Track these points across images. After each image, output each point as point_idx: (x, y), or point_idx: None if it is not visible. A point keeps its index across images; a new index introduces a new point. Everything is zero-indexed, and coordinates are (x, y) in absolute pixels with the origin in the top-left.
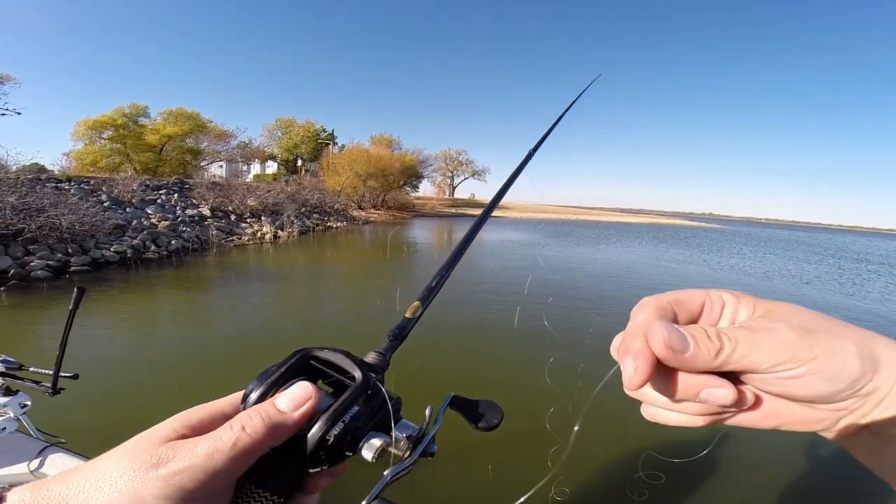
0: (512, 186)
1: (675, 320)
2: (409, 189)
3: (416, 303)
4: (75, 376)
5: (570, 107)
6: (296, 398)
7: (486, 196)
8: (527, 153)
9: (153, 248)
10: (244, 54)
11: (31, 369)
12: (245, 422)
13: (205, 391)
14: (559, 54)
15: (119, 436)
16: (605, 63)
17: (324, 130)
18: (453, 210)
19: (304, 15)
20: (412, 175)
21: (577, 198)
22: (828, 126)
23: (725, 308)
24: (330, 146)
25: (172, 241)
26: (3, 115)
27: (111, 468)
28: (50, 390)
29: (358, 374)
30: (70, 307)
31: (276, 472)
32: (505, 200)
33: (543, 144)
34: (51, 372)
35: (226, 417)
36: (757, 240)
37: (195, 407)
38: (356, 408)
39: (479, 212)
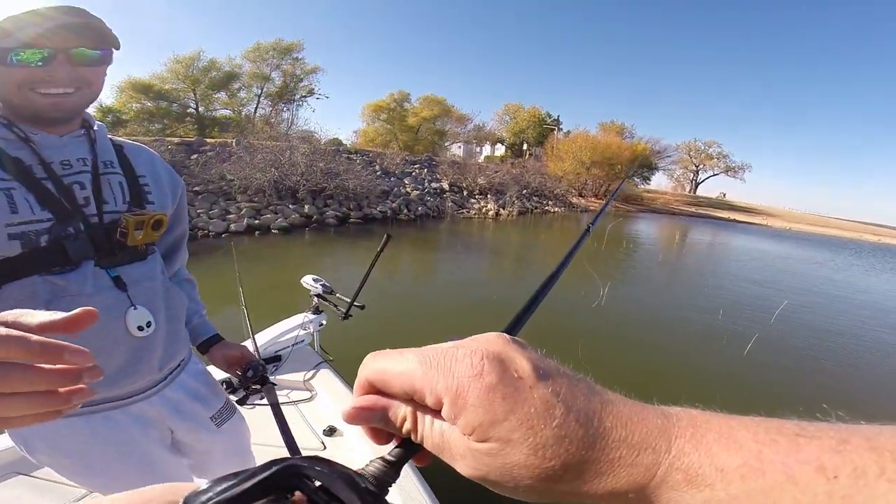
0: (771, 189)
1: None
2: (638, 180)
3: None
4: (363, 307)
5: None
6: None
7: (740, 198)
8: None
9: (405, 211)
10: (483, 43)
11: (336, 295)
12: None
13: (446, 329)
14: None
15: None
16: None
17: (549, 116)
18: (692, 209)
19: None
20: (643, 165)
21: (875, 212)
22: None
23: None
24: (555, 132)
25: (419, 208)
26: (317, 98)
27: None
28: (343, 314)
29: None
30: (378, 249)
31: None
32: (765, 205)
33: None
34: (348, 299)
35: None
36: None
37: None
38: None
39: (727, 215)
